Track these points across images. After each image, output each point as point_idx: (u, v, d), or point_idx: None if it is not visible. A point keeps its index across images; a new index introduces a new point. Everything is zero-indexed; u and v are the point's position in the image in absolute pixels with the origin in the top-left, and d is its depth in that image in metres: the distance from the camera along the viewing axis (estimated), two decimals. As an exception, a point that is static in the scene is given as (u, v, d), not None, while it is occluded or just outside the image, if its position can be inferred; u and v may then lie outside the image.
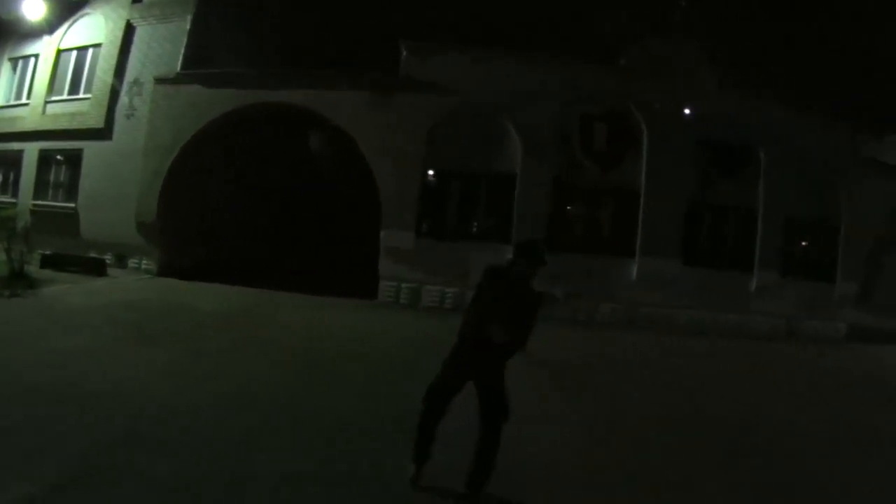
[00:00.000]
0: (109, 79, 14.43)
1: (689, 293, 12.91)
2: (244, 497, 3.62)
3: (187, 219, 14.03)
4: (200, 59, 14.02)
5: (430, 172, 12.97)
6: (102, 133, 14.34)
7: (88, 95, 14.80)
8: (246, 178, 16.08)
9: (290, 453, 4.30)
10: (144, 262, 13.73)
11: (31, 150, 15.37)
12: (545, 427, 5.37)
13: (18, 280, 10.26)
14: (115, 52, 14.55)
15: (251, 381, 6.08)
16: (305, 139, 17.20)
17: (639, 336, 11.67)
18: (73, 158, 14.84)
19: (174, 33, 14.12)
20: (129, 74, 14.35)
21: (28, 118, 15.49)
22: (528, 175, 12.66)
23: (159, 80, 13.80)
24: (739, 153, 13.43)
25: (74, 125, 14.67)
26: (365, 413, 5.38)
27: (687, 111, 13.05)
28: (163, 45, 14.17)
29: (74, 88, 15.21)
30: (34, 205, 14.77)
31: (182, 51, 13.91)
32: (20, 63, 16.37)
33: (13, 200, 14.96)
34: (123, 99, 14.30)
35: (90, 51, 15.16)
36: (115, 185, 13.80)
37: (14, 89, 16.35)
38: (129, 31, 14.60)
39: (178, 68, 13.79)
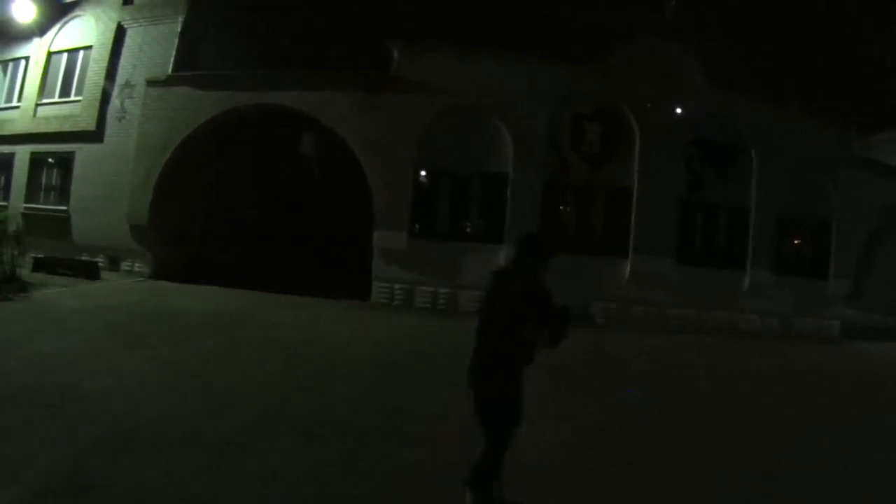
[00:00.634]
0: (101, 81, 14.41)
1: (682, 292, 12.96)
2: (233, 500, 3.63)
3: (180, 221, 13.99)
4: (192, 61, 13.99)
5: (423, 173, 12.97)
6: (94, 135, 14.31)
7: (79, 98, 14.76)
8: (238, 180, 16.05)
9: (279, 455, 4.30)
10: (137, 264, 13.69)
11: (22, 153, 15.32)
12: (541, 427, 5.38)
13: (10, 284, 10.25)
14: (106, 54, 14.53)
15: (242, 384, 6.08)
16: (297, 141, 17.21)
17: (632, 335, 11.71)
18: (65, 161, 14.81)
19: (165, 35, 14.10)
20: (121, 76, 14.32)
21: (19, 121, 15.44)
22: (521, 175, 12.68)
23: (151, 82, 13.76)
24: (731, 152, 13.48)
25: (66, 128, 14.63)
26: (355, 415, 5.38)
27: (678, 110, 13.10)
28: (154, 47, 14.15)
29: (65, 91, 15.17)
30: (26, 208, 14.72)
31: (173, 53, 13.90)
32: (10, 65, 16.31)
33: (4, 204, 14.86)
34: (115, 101, 14.27)
35: (81, 53, 15.12)
36: (107, 188, 13.77)
37: (4, 92, 16.28)
38: (119, 33, 14.57)
39: (170, 70, 13.76)
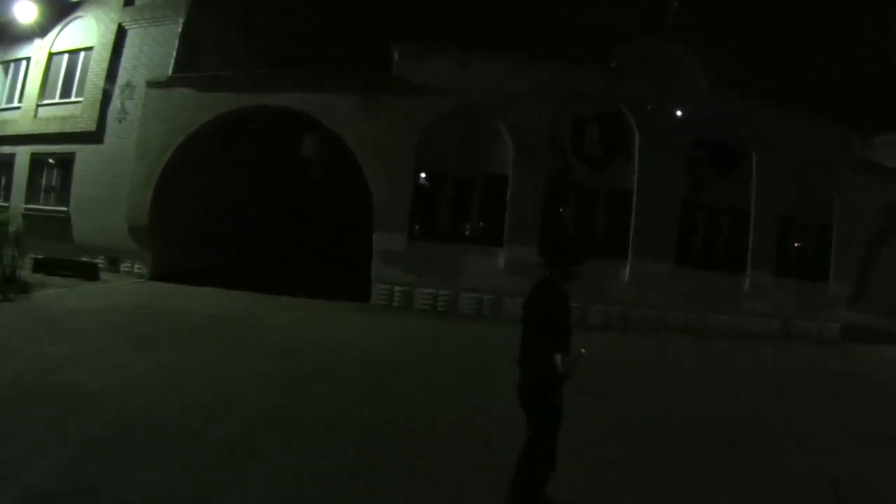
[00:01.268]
0: (101, 82, 14.41)
1: (682, 294, 12.95)
2: (234, 501, 3.63)
3: (180, 222, 13.99)
4: (192, 62, 13.99)
5: (423, 175, 12.96)
6: (94, 136, 14.30)
7: (80, 99, 14.75)
8: (238, 181, 16.05)
9: (280, 457, 4.30)
10: (137, 265, 13.68)
11: (22, 154, 15.30)
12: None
13: (10, 284, 10.26)
14: (106, 55, 14.52)
15: (242, 386, 6.07)
16: (298, 142, 17.20)
17: (632, 337, 11.69)
18: (65, 162, 14.80)
19: (166, 36, 14.09)
20: (121, 77, 14.31)
21: (20, 121, 15.43)
22: (521, 177, 12.67)
23: (151, 84, 13.77)
24: (732, 154, 13.49)
25: (66, 128, 14.62)
26: (355, 417, 5.36)
27: (679, 112, 13.08)
28: (154, 49, 14.14)
29: (66, 92, 15.16)
30: (26, 209, 14.70)
31: (174, 54, 13.89)
32: (12, 66, 16.30)
33: (5, 204, 14.86)
34: (115, 102, 14.26)
35: (82, 54, 15.11)
36: (107, 189, 13.77)
37: (5, 92, 16.26)
38: (120, 34, 14.56)
39: (170, 71, 13.75)
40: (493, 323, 11.81)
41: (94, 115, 14.36)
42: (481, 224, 13.15)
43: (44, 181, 15.24)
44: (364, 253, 12.99)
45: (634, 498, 4.22)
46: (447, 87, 12.60)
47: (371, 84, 12.92)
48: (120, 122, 14.13)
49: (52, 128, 14.83)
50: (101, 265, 13.36)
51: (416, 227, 12.76)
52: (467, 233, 13.22)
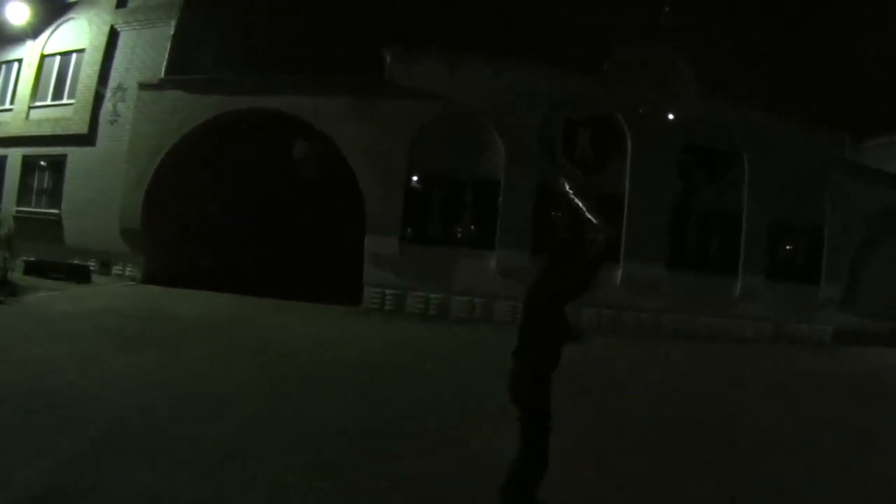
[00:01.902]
0: (93, 84, 14.37)
1: (674, 298, 12.97)
2: None
3: (171, 225, 13.97)
4: (184, 65, 13.95)
5: (415, 178, 12.96)
6: (86, 139, 14.27)
7: (72, 101, 14.72)
8: (230, 184, 16.01)
9: (269, 461, 4.30)
10: (129, 268, 13.65)
11: (14, 156, 15.25)
12: None
13: (1, 287, 10.21)
14: (98, 57, 14.49)
15: (233, 389, 6.08)
16: (290, 145, 17.17)
17: (624, 341, 11.71)
18: (57, 164, 14.76)
19: (158, 39, 14.05)
20: (113, 80, 14.28)
21: (11, 123, 15.39)
22: (513, 181, 12.69)
23: (143, 86, 13.72)
24: (723, 158, 13.52)
25: (58, 131, 14.58)
26: (346, 420, 5.37)
27: (671, 116, 13.11)
28: (147, 51, 14.11)
29: (58, 94, 15.13)
30: (17, 211, 14.66)
31: (166, 56, 13.85)
32: (3, 68, 16.23)
33: (-4, 207, 14.84)
34: (107, 104, 14.22)
35: (74, 56, 15.08)
36: (98, 191, 13.73)
37: (-3, 94, 16.21)
38: (112, 36, 14.53)
39: (162, 74, 13.70)
40: (485, 326, 11.84)
41: (86, 117, 14.33)
42: (473, 228, 13.16)
43: (35, 183, 15.19)
44: (356, 256, 12.98)
45: (629, 500, 4.25)
46: (439, 91, 12.61)
47: (363, 88, 12.92)
48: (112, 124, 14.09)
49: (44, 130, 14.80)
50: (92, 268, 13.32)
51: (408, 231, 12.76)
52: (459, 236, 13.22)
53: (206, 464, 4.15)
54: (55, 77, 15.27)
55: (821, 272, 14.02)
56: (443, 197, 13.00)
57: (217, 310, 10.93)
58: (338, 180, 14.60)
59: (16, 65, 15.93)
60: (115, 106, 14.11)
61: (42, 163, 15.13)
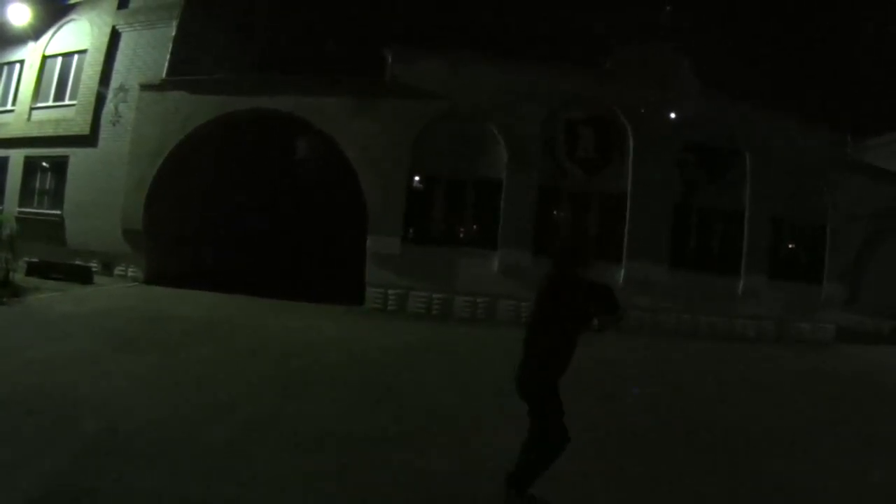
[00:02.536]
0: (95, 85, 14.38)
1: (677, 297, 12.96)
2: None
3: (173, 226, 13.98)
4: (186, 66, 13.94)
5: (416, 178, 12.95)
6: (88, 140, 14.28)
7: (74, 102, 14.73)
8: (232, 184, 16.03)
9: (272, 461, 4.29)
10: (131, 269, 13.65)
11: (16, 157, 15.27)
12: None
13: (4, 288, 10.20)
14: (100, 58, 14.50)
15: (235, 390, 6.07)
16: (292, 145, 17.20)
17: (626, 340, 11.67)
18: (59, 165, 14.78)
19: (160, 39, 14.07)
20: (115, 81, 14.29)
21: (13, 124, 15.42)
22: (514, 180, 12.68)
23: (145, 87, 13.74)
24: (725, 156, 13.50)
25: (60, 132, 14.60)
26: (349, 421, 5.35)
27: (672, 115, 13.10)
28: (148, 52, 14.12)
29: (60, 95, 15.15)
30: (20, 212, 14.63)
31: (168, 57, 13.85)
32: (5, 69, 16.27)
33: (-1, 207, 14.86)
34: (109, 105, 14.24)
35: (75, 57, 15.10)
36: (100, 192, 13.74)
37: (-1, 95, 16.24)
38: (114, 37, 14.55)
39: (164, 74, 13.71)
40: (487, 326, 11.83)
41: (88, 118, 14.34)
42: (475, 227, 13.17)
43: (37, 184, 15.22)
44: (358, 256, 12.98)
45: (631, 500, 4.24)
46: (440, 91, 12.61)
47: (364, 87, 12.93)
48: (114, 125, 14.11)
49: (46, 131, 14.82)
50: (94, 269, 13.33)
51: (410, 231, 12.75)
52: (461, 236, 13.22)
53: (209, 464, 4.14)
54: (57, 78, 15.29)
55: (823, 271, 14.00)
56: (444, 197, 12.99)
57: (219, 310, 10.92)
58: (339, 180, 14.61)
59: (17, 66, 15.95)
60: (116, 107, 14.13)
61: (44, 164, 15.15)
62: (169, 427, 4.79)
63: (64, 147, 14.55)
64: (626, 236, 12.92)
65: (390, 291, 12.59)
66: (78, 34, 15.12)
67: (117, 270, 13.81)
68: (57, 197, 14.74)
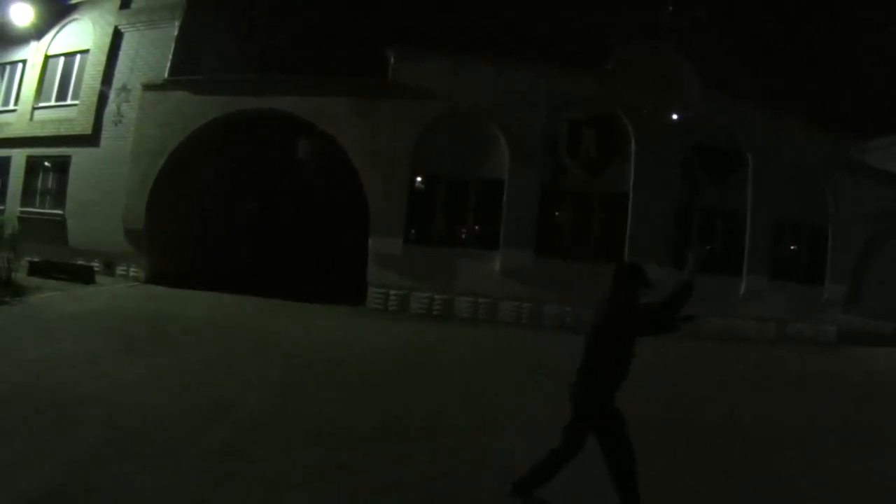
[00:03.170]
0: (97, 85, 14.41)
1: (678, 297, 12.91)
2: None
3: (175, 226, 13.99)
4: (188, 66, 13.97)
5: (418, 179, 12.97)
6: (90, 139, 14.30)
7: (76, 102, 14.75)
8: (234, 184, 16.04)
9: (273, 461, 4.29)
10: (132, 269, 13.66)
11: (18, 157, 15.28)
12: (538, 431, 5.40)
13: (6, 288, 10.21)
14: (102, 58, 14.52)
15: (237, 390, 6.07)
16: (294, 146, 17.19)
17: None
18: (61, 165, 14.78)
19: (162, 39, 14.09)
20: (117, 81, 14.31)
21: (15, 124, 15.43)
22: (516, 181, 12.68)
23: (147, 87, 13.76)
24: (727, 157, 13.48)
25: (62, 131, 14.61)
26: (350, 421, 5.36)
27: (675, 116, 13.09)
28: (150, 52, 14.14)
29: (62, 94, 15.16)
30: (22, 211, 14.62)
31: (170, 57, 13.88)
32: (7, 69, 16.26)
33: (1, 207, 14.87)
34: (111, 105, 14.26)
35: (78, 57, 15.12)
36: (102, 192, 13.76)
37: (1, 95, 16.23)
38: (116, 37, 14.57)
39: (166, 75, 13.75)
40: (489, 326, 11.84)
41: (90, 118, 14.36)
42: (477, 228, 13.18)
43: (39, 184, 15.21)
44: (359, 256, 12.99)
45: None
46: (442, 91, 12.63)
47: (366, 88, 12.93)
48: (116, 125, 14.12)
49: (48, 131, 14.83)
50: (96, 269, 13.35)
51: (412, 231, 12.77)
52: (463, 236, 13.23)
53: (210, 464, 4.14)
54: (59, 78, 15.30)
55: (825, 272, 13.99)
56: (446, 197, 13.00)
57: (220, 310, 10.94)
58: (341, 181, 14.63)
59: (20, 66, 15.95)
60: (118, 107, 14.14)
61: (46, 163, 15.15)
62: (170, 426, 4.79)
63: (66, 147, 14.56)
64: (629, 236, 12.92)
65: (392, 292, 12.60)
66: (80, 34, 15.13)
67: (119, 270, 13.82)
68: (59, 197, 14.74)
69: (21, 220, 13.88)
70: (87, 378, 5.83)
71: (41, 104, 15.30)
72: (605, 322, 3.73)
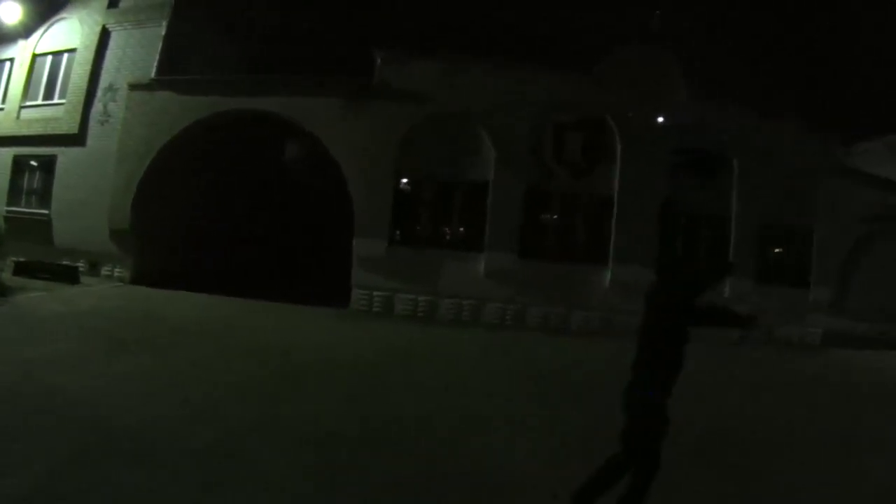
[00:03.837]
0: (84, 84, 14.37)
1: (663, 300, 12.94)
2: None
3: (161, 226, 13.96)
4: (175, 66, 13.94)
5: (404, 180, 12.98)
6: (77, 139, 14.26)
7: (63, 101, 14.70)
8: (220, 185, 16.00)
9: (259, 463, 4.30)
10: (117, 269, 13.64)
11: (4, 156, 15.21)
12: (528, 435, 5.49)
13: (-10, 288, 10.21)
14: (90, 57, 14.49)
15: (220, 391, 6.07)
16: (280, 147, 17.19)
17: (614, 344, 11.69)
18: (47, 164, 14.74)
19: (149, 39, 14.06)
20: (104, 80, 14.29)
21: (2, 123, 15.35)
22: (502, 183, 12.69)
23: (134, 86, 13.73)
24: (713, 161, 13.52)
25: (49, 131, 14.56)
26: (333, 424, 5.36)
27: (661, 120, 13.13)
28: (138, 51, 14.11)
29: (49, 93, 15.12)
30: (7, 211, 14.59)
31: (157, 57, 13.85)
32: (-5, 67, 16.21)
33: (-14, 206, 14.81)
34: (98, 105, 14.23)
35: (65, 55, 15.07)
36: (88, 192, 13.72)
37: (-11, 94, 16.17)
38: (104, 36, 14.54)
39: (153, 74, 13.71)
40: (473, 328, 11.85)
41: (77, 117, 14.32)
42: (462, 229, 13.19)
43: (25, 183, 15.16)
44: (344, 258, 12.99)
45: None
46: (429, 94, 12.63)
47: (353, 89, 12.92)
48: (102, 124, 14.09)
49: (35, 129, 14.78)
50: (81, 269, 13.32)
51: (397, 233, 12.78)
52: (448, 238, 13.24)
53: (197, 466, 4.15)
54: (46, 77, 15.26)
55: (810, 275, 14.05)
56: (431, 199, 13.01)
57: (205, 311, 10.94)
58: (327, 182, 14.60)
59: (7, 64, 15.89)
60: (105, 106, 14.11)
61: (32, 163, 15.10)
62: (157, 427, 4.80)
63: (52, 146, 14.51)
64: (613, 239, 12.95)
65: (376, 293, 12.60)
66: (68, 33, 15.09)
67: (104, 271, 13.78)
68: (45, 196, 14.70)
69: (6, 219, 13.87)
70: (71, 378, 5.83)
71: (28, 103, 15.24)
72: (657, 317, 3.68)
